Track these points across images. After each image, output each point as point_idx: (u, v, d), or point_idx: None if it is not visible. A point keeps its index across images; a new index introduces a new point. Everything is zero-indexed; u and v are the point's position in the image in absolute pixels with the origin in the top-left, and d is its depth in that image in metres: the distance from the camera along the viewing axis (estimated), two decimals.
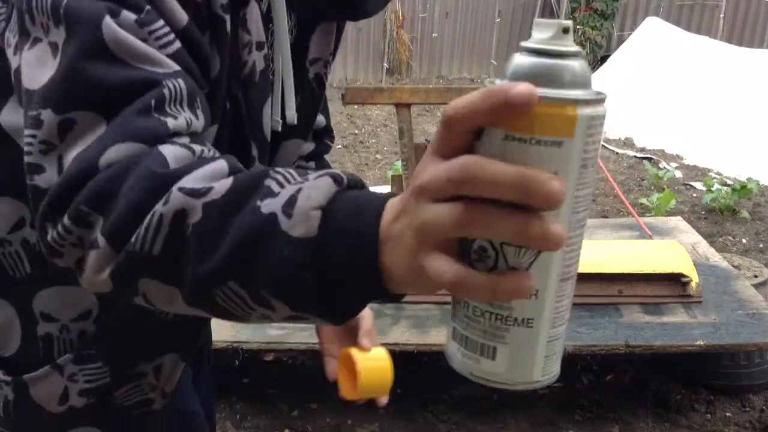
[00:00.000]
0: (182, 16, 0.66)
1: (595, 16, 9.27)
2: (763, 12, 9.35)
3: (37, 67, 0.63)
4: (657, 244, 2.72)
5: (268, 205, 0.53)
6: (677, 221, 3.21)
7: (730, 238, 4.36)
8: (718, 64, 6.66)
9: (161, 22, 0.64)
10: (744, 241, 4.32)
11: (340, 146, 6.02)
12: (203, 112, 0.67)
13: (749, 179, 4.93)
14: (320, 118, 1.11)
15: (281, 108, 0.86)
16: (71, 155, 0.60)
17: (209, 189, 0.55)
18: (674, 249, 2.52)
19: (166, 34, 0.64)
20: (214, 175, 0.57)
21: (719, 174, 5.51)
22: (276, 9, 0.79)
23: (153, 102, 0.60)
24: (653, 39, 7.50)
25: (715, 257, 2.75)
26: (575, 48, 0.43)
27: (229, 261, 0.54)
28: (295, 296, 0.53)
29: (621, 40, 8.66)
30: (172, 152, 0.59)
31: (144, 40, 0.63)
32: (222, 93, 0.74)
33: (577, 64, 0.43)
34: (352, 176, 0.56)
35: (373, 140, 6.40)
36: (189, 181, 0.56)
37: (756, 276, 2.81)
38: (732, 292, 2.45)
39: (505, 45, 9.55)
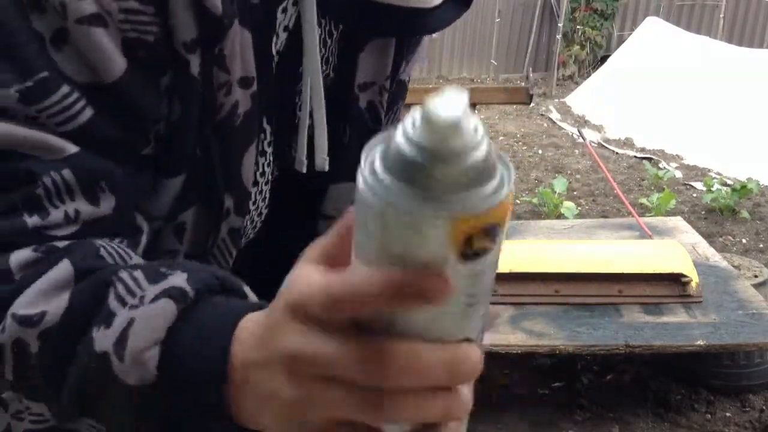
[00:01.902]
0: (117, 66, 0.56)
1: (595, 16, 9.26)
2: (763, 12, 9.34)
3: None
4: (657, 244, 2.72)
5: (101, 340, 0.48)
6: (677, 221, 3.21)
7: (730, 238, 4.36)
8: (718, 64, 6.66)
9: (63, 90, 0.55)
10: (744, 241, 4.32)
11: None
12: (122, 187, 0.59)
13: (749, 179, 4.93)
14: None
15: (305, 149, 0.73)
16: None
17: (42, 315, 0.51)
18: (674, 249, 2.52)
19: (66, 108, 0.55)
20: (51, 289, 0.52)
21: (719, 174, 5.51)
22: (305, 31, 0.67)
23: (20, 202, 0.55)
24: (653, 39, 7.50)
25: (715, 257, 2.75)
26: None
27: (76, 402, 0.50)
28: None
29: (621, 40, 8.66)
30: (18, 259, 0.54)
31: (32, 119, 0.55)
32: (188, 140, 0.64)
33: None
34: (210, 278, 0.49)
35: None
36: (22, 305, 0.52)
37: (756, 276, 2.81)
38: (732, 292, 2.45)
39: (505, 45, 9.55)
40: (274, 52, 0.68)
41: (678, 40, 7.34)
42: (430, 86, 5.70)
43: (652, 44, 7.42)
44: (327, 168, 0.74)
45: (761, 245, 4.26)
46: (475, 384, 0.40)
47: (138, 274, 0.50)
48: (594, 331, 2.23)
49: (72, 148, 0.56)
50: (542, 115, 7.48)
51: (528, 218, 4.51)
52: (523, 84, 7.52)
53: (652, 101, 6.67)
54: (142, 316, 0.47)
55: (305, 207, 0.80)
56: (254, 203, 0.75)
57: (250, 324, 0.44)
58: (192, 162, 0.65)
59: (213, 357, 0.44)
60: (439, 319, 0.36)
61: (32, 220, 0.55)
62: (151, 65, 0.58)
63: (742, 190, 4.74)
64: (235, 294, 0.51)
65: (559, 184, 4.78)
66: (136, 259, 0.58)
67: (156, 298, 0.48)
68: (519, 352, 2.28)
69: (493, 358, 2.84)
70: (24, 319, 0.51)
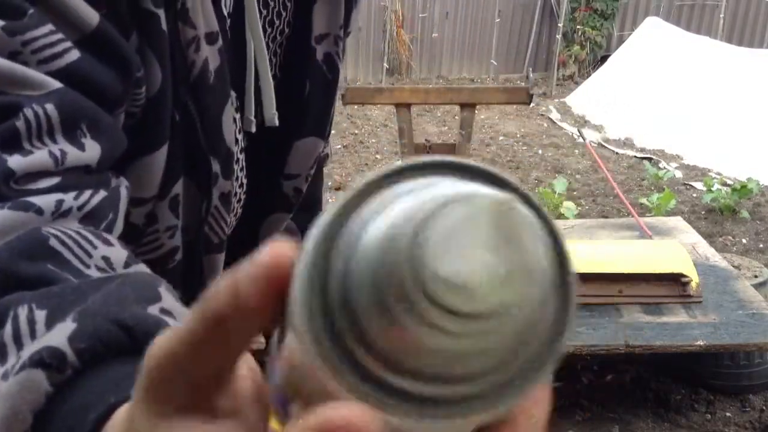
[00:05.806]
0: (90, 18, 0.54)
1: (595, 16, 9.26)
2: (763, 12, 9.34)
3: None
4: (657, 244, 2.72)
5: None
6: (677, 221, 3.21)
7: (730, 238, 4.36)
8: (718, 64, 6.66)
9: (47, 28, 0.52)
10: (744, 241, 4.32)
11: (339, 146, 6.02)
12: (105, 134, 0.54)
13: (749, 179, 4.93)
14: None
15: (256, 106, 0.74)
16: None
17: None
18: (674, 249, 2.52)
19: (51, 44, 0.52)
20: None
21: (719, 174, 5.51)
22: None
23: None
24: (653, 39, 7.50)
25: (715, 257, 2.75)
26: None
27: None
28: None
29: (621, 40, 8.65)
30: None
31: (15, 54, 0.51)
32: (169, 104, 0.62)
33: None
34: (109, 328, 0.36)
35: (373, 140, 6.40)
36: None
37: (756, 276, 2.81)
38: (732, 292, 2.45)
39: (505, 45, 9.55)
40: (225, 13, 0.69)
41: (678, 40, 7.33)
42: (431, 86, 5.71)
43: (652, 44, 7.42)
44: (277, 122, 0.76)
45: (761, 245, 4.26)
46: None
47: (40, 315, 0.38)
48: (594, 331, 2.23)
49: (55, 84, 0.52)
50: (542, 115, 7.48)
51: None
52: (523, 84, 7.51)
53: (652, 101, 6.68)
54: (5, 394, 0.34)
55: (270, 171, 0.81)
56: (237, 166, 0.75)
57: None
58: (172, 129, 0.64)
59: None
60: None
61: (13, 160, 0.47)
62: (120, 22, 0.57)
63: (742, 190, 4.74)
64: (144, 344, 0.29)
65: (559, 184, 4.78)
66: (102, 250, 0.46)
67: (23, 367, 0.35)
68: None
69: None
70: None
